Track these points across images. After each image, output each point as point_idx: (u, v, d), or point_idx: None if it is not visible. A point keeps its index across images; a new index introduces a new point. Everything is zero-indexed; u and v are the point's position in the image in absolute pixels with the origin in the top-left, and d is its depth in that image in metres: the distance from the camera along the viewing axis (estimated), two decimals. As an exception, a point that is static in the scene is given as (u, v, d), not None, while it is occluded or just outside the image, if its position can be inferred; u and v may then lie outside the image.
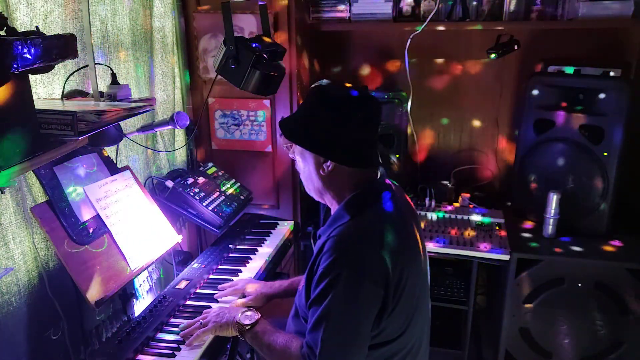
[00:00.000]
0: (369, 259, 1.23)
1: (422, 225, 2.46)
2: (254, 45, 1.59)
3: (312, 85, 1.38)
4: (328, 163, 1.33)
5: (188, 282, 1.84)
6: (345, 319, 1.22)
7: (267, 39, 1.71)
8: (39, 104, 1.24)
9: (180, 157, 2.55)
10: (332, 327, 1.22)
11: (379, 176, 1.40)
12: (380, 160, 1.41)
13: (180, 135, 2.52)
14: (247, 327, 1.46)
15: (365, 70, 2.86)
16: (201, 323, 1.54)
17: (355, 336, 1.23)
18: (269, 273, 2.05)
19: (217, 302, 1.74)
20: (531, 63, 2.64)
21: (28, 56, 1.07)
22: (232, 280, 1.88)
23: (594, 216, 2.33)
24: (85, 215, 1.62)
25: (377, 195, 1.34)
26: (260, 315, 1.50)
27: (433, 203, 2.63)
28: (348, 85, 1.38)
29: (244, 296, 1.77)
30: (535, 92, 2.39)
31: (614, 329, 2.22)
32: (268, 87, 1.61)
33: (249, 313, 1.51)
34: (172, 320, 1.64)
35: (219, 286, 1.82)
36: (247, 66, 1.55)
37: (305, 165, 1.39)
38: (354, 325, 1.22)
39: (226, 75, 1.60)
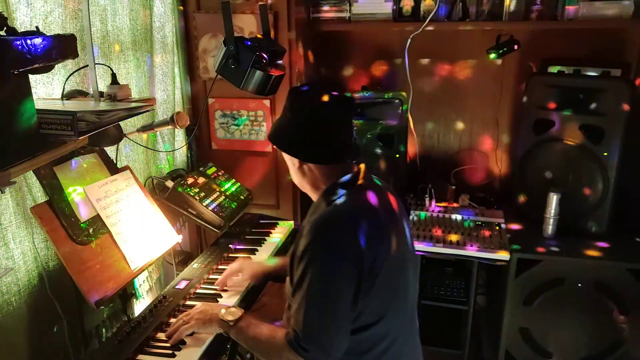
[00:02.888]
0: (342, 239, 1.29)
1: (422, 225, 2.46)
2: (254, 45, 1.59)
3: (290, 90, 1.46)
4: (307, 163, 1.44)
5: (188, 282, 1.84)
6: (324, 298, 1.28)
7: (267, 39, 1.71)
8: (39, 104, 1.24)
9: (180, 157, 2.55)
10: (312, 306, 1.27)
11: (357, 170, 1.48)
12: (358, 155, 1.48)
13: (180, 135, 2.52)
14: (231, 324, 1.46)
15: (365, 70, 2.86)
16: (184, 320, 1.54)
17: (335, 314, 1.28)
18: (269, 273, 2.04)
19: (218, 300, 1.75)
20: (531, 63, 2.63)
21: (28, 56, 1.07)
22: (232, 280, 1.88)
23: (594, 216, 2.33)
24: (85, 215, 1.62)
25: (353, 185, 1.42)
26: (243, 311, 1.50)
27: (433, 203, 2.63)
28: (322, 87, 1.44)
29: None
30: (535, 92, 2.39)
31: (614, 329, 2.22)
32: (268, 87, 1.61)
33: (232, 309, 1.51)
34: (172, 320, 1.64)
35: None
36: (247, 66, 1.55)
37: (290, 163, 1.50)
38: (333, 304, 1.27)
39: (226, 75, 1.60)
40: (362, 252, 1.28)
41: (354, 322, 1.32)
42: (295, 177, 1.51)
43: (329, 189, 1.42)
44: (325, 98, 1.40)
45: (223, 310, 1.50)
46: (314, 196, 1.50)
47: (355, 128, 1.49)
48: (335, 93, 1.42)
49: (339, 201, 1.37)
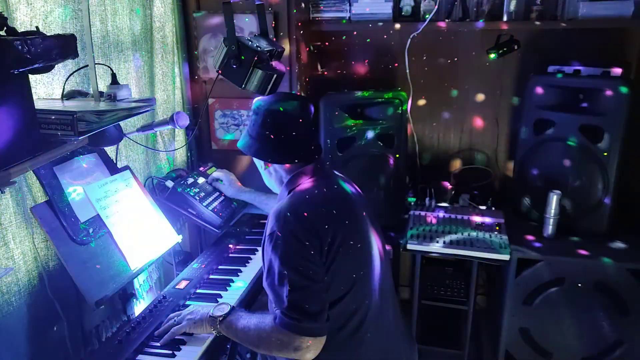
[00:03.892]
0: (302, 220, 1.40)
1: (422, 225, 2.45)
2: (255, 45, 1.59)
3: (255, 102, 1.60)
4: (268, 163, 1.60)
5: (188, 282, 1.84)
6: (296, 269, 1.35)
7: (266, 39, 1.71)
8: (39, 104, 1.24)
9: (180, 157, 2.55)
10: (290, 279, 1.34)
11: (315, 163, 1.59)
12: (318, 154, 1.60)
13: (180, 135, 2.52)
14: (220, 319, 1.49)
15: (365, 70, 2.86)
16: (175, 320, 1.56)
17: (313, 280, 1.36)
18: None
19: (218, 300, 1.75)
20: (531, 63, 2.64)
21: (28, 56, 1.06)
22: (232, 280, 1.89)
23: (594, 216, 2.33)
24: (85, 215, 1.62)
25: (310, 174, 1.56)
26: (232, 306, 1.54)
27: (433, 203, 2.63)
28: (279, 95, 1.62)
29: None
30: (535, 92, 2.39)
31: (614, 329, 2.22)
32: (269, 87, 1.61)
33: (222, 306, 1.54)
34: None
35: None
36: (249, 66, 1.55)
37: (258, 166, 1.66)
38: (307, 271, 1.35)
39: (227, 75, 1.60)
40: (320, 229, 1.39)
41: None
42: (264, 177, 1.68)
43: (289, 181, 1.57)
44: (280, 103, 1.55)
45: (212, 308, 1.53)
46: (278, 189, 1.64)
47: (313, 128, 1.64)
48: (290, 98, 1.60)
49: (298, 189, 1.51)
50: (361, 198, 1.63)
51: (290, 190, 1.54)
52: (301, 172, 1.56)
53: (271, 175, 1.64)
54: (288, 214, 1.41)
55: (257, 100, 1.59)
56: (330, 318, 1.38)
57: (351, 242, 1.44)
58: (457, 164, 2.90)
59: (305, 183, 1.54)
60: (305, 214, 1.41)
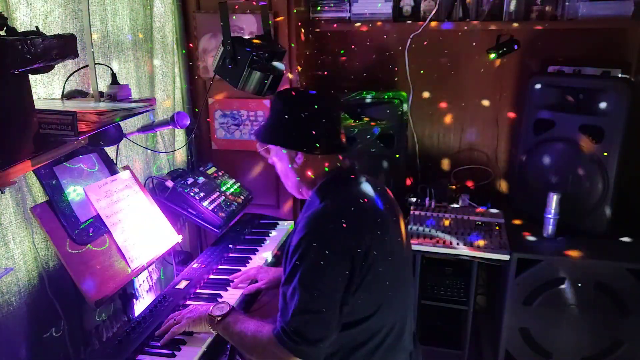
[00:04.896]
0: (336, 234, 1.31)
1: (422, 225, 2.45)
2: (251, 45, 1.59)
3: (275, 93, 1.52)
4: (299, 155, 1.45)
5: (188, 282, 1.84)
6: (314, 291, 1.28)
7: (267, 39, 1.71)
8: (39, 104, 1.24)
9: (180, 157, 2.55)
10: (301, 299, 1.27)
11: (349, 165, 1.51)
12: (346, 148, 1.50)
13: (180, 135, 2.52)
14: (219, 319, 1.47)
15: (365, 70, 2.86)
16: (175, 320, 1.55)
17: (324, 307, 1.28)
18: (269, 273, 2.04)
19: (218, 300, 1.74)
20: (531, 63, 2.64)
21: (28, 56, 1.07)
22: (232, 280, 1.89)
23: (594, 216, 2.33)
24: (85, 215, 1.62)
25: (346, 180, 1.45)
26: (231, 306, 1.51)
27: (433, 203, 2.63)
28: (305, 88, 1.50)
29: (256, 281, 1.84)
30: (535, 92, 2.39)
31: (614, 329, 2.22)
32: (266, 88, 1.61)
33: (221, 305, 1.52)
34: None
35: (231, 276, 1.88)
36: (244, 66, 1.55)
37: (281, 163, 1.52)
38: (321, 299, 1.28)
39: (224, 76, 1.60)
40: (355, 246, 1.30)
41: (349, 315, 1.33)
42: (289, 178, 1.52)
43: (322, 185, 1.45)
44: (308, 92, 1.47)
45: (211, 307, 1.52)
46: (308, 194, 1.52)
47: (343, 124, 1.53)
48: (323, 90, 1.48)
49: (333, 196, 1.39)
50: (395, 205, 1.53)
51: (323, 196, 1.41)
52: (333, 176, 1.45)
53: (298, 175, 1.49)
54: (322, 225, 1.32)
55: (282, 90, 1.52)
56: (352, 334, 1.35)
57: (386, 261, 1.37)
58: (457, 164, 2.90)
59: (340, 190, 1.42)
60: (341, 232, 1.31)
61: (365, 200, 1.41)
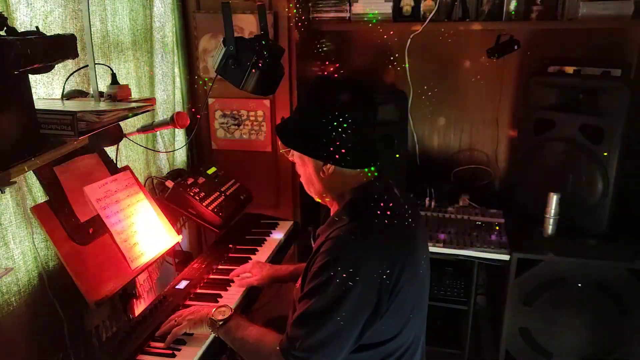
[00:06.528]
0: (364, 263, 1.23)
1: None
2: (254, 45, 1.59)
3: (310, 84, 1.39)
4: (328, 166, 1.34)
5: (188, 282, 1.84)
6: (330, 320, 1.22)
7: (266, 39, 1.71)
8: (39, 104, 1.24)
9: (180, 157, 2.55)
10: (315, 325, 1.23)
11: (381, 179, 1.40)
12: (378, 160, 1.39)
13: (180, 135, 2.52)
14: (220, 323, 1.45)
15: (365, 70, 2.86)
16: (175, 321, 1.54)
17: (337, 337, 1.23)
18: (269, 273, 2.04)
19: (218, 300, 1.75)
20: (531, 63, 2.64)
21: (28, 56, 1.06)
22: (232, 280, 1.88)
23: (594, 216, 2.33)
24: (85, 215, 1.62)
25: (377, 198, 1.33)
26: (233, 311, 1.50)
27: (433, 203, 2.63)
28: (340, 81, 1.38)
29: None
30: (535, 92, 2.39)
31: (614, 329, 2.22)
32: (268, 88, 1.62)
33: (222, 309, 1.50)
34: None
35: (230, 274, 1.89)
36: (247, 66, 1.55)
37: (304, 168, 1.41)
38: (338, 327, 1.23)
39: (226, 76, 1.60)
40: (384, 277, 1.23)
41: (369, 338, 1.29)
42: (313, 184, 1.41)
43: (352, 202, 1.35)
44: (354, 99, 1.31)
45: (213, 310, 1.50)
46: (333, 205, 1.43)
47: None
48: (360, 93, 1.35)
49: (363, 217, 1.30)
50: (419, 218, 1.46)
51: (353, 215, 1.30)
52: (368, 192, 1.34)
53: (324, 185, 1.37)
54: (351, 251, 1.24)
55: (317, 86, 1.39)
56: (371, 355, 1.32)
57: (412, 285, 1.31)
58: (457, 164, 2.90)
59: (372, 212, 1.30)
60: (370, 260, 1.23)
61: (397, 220, 1.31)
